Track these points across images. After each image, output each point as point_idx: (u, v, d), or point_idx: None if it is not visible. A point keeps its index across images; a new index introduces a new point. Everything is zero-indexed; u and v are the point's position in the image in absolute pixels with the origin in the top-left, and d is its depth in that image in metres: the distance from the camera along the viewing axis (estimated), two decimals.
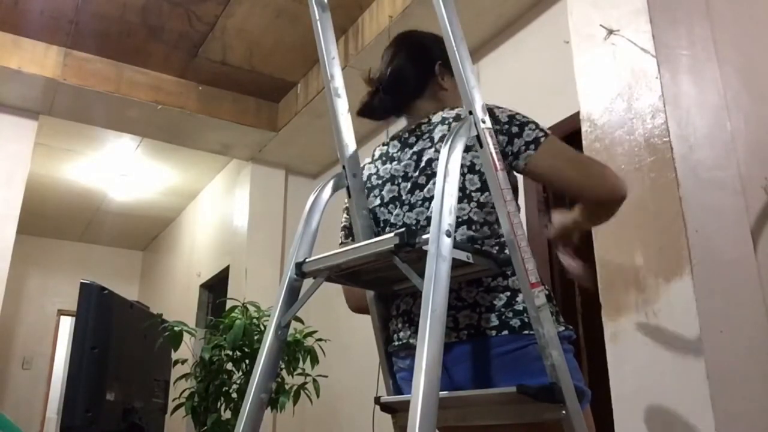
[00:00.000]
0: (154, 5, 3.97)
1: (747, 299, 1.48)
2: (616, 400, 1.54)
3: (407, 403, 1.09)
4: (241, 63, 4.54)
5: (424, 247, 1.02)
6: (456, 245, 1.05)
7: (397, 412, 1.33)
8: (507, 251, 1.18)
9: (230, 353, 2.93)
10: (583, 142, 1.76)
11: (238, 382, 2.96)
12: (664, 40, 1.62)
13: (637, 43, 1.64)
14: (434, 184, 1.21)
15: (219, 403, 2.91)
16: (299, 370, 2.99)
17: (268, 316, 3.04)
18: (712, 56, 1.69)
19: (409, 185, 1.35)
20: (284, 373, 3.01)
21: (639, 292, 1.53)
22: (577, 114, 1.80)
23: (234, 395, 2.94)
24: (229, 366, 2.97)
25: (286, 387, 3.00)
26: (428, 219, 1.28)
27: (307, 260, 1.21)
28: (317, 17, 1.41)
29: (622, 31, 1.69)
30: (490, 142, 1.16)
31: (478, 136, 1.16)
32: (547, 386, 1.08)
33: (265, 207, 5.37)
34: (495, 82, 3.59)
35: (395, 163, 1.39)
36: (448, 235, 1.01)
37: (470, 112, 1.17)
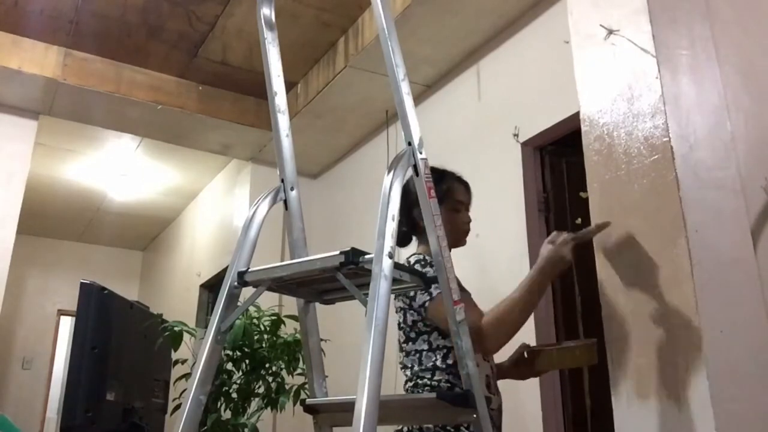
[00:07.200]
0: (154, 5, 3.97)
1: (747, 299, 1.48)
2: (617, 401, 1.54)
3: (331, 405, 1.35)
4: (241, 63, 4.54)
5: (366, 266, 1.11)
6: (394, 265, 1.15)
7: (320, 413, 1.40)
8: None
9: (230, 353, 2.93)
10: (583, 142, 1.76)
11: (238, 382, 2.96)
12: (664, 40, 1.62)
13: (637, 43, 1.64)
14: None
15: (219, 403, 2.91)
16: (299, 370, 2.99)
17: (269, 316, 3.05)
18: (712, 56, 1.69)
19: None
20: (284, 373, 3.01)
21: (639, 292, 1.53)
22: (577, 114, 1.80)
23: (234, 395, 2.94)
24: (229, 366, 2.97)
25: (286, 387, 3.00)
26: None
27: (249, 270, 1.27)
28: (265, 36, 1.53)
29: (622, 31, 1.69)
30: (424, 171, 1.30)
31: (415, 165, 1.29)
32: (463, 393, 1.24)
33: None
34: (495, 82, 3.59)
35: None
36: (390, 257, 1.10)
37: (409, 143, 1.29)
